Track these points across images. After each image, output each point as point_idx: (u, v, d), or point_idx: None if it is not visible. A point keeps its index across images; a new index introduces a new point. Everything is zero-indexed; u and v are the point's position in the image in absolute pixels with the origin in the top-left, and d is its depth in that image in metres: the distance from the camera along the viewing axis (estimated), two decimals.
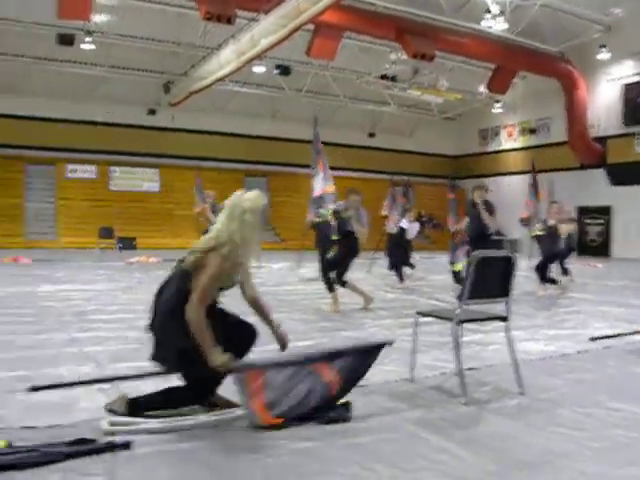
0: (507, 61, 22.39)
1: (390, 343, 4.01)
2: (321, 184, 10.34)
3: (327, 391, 3.65)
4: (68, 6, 16.01)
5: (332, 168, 10.64)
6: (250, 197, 3.68)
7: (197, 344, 3.43)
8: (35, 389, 4.11)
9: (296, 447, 3.24)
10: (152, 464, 2.99)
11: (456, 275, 10.81)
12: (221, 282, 3.64)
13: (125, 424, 3.48)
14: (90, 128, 24.91)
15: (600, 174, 25.06)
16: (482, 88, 25.98)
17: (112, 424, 3.44)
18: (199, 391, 3.69)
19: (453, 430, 3.53)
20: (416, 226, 13.25)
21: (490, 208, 9.29)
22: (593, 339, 6.39)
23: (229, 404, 3.74)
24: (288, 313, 7.93)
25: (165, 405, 3.63)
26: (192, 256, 3.60)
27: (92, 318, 7.23)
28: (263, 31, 16.55)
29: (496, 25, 19.10)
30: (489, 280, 4.23)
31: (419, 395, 4.23)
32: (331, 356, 3.76)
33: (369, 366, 3.89)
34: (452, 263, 11.40)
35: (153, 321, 3.66)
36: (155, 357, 3.65)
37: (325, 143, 11.07)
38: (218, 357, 3.43)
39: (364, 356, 3.87)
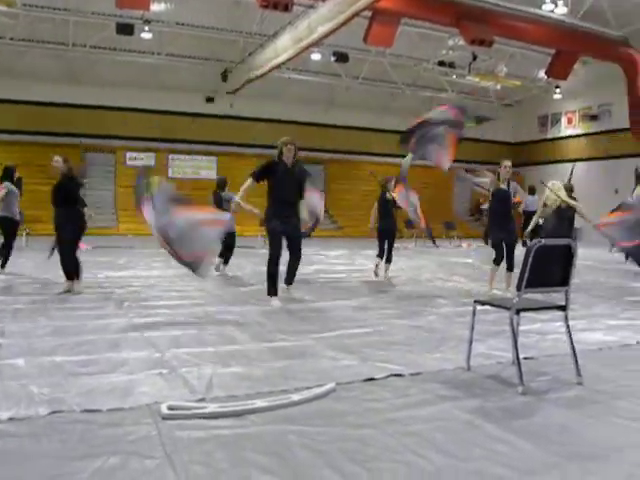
0: (568, 46, 21.65)
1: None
2: None
3: None
4: None
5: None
6: None
7: None
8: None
9: (351, 434, 3.25)
10: (209, 448, 3.04)
11: None
12: None
13: (183, 408, 3.56)
14: (149, 116, 25.33)
15: None
16: (542, 74, 25.39)
17: (171, 408, 3.52)
18: None
19: (510, 420, 3.49)
20: None
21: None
22: None
23: None
24: (346, 300, 7.97)
25: None
26: None
27: (152, 304, 7.39)
28: (320, 18, 16.54)
29: (557, 9, 18.66)
30: (548, 269, 4.16)
31: (475, 384, 4.19)
32: None
33: None
34: None
35: None
36: None
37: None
38: None
39: None
